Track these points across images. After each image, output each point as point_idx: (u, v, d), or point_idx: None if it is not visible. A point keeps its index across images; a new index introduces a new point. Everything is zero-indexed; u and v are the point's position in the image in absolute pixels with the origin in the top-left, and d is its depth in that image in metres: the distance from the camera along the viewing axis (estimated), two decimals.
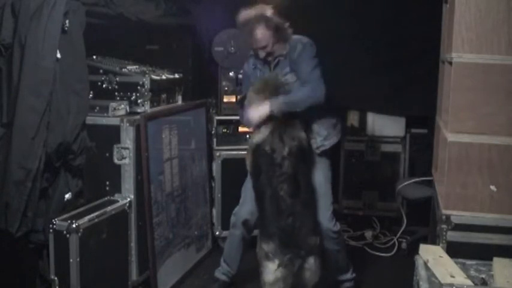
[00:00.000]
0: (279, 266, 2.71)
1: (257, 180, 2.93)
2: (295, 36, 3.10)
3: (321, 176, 3.14)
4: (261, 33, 2.98)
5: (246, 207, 3.21)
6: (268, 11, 3.02)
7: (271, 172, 2.83)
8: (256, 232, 3.28)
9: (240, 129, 4.08)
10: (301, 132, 2.97)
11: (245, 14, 3.02)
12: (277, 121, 2.92)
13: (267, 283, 2.76)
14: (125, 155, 3.12)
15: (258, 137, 2.95)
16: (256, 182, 2.95)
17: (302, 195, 2.86)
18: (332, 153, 3.27)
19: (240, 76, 3.97)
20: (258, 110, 2.94)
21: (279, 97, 2.95)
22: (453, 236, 2.55)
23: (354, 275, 3.39)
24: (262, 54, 3.06)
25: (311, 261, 2.78)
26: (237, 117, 3.59)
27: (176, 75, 3.80)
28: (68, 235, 2.66)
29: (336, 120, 3.23)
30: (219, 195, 4.06)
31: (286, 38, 3.06)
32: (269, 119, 2.92)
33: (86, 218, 2.77)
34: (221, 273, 3.41)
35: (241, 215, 3.23)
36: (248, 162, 3.04)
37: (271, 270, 2.73)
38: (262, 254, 2.79)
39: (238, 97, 3.22)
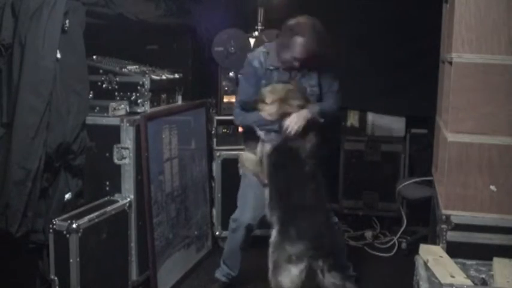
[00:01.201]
0: (304, 269, 2.64)
1: (278, 178, 2.87)
2: None
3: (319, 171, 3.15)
4: (309, 45, 2.89)
5: (248, 213, 3.17)
6: (319, 25, 2.98)
7: (297, 169, 2.82)
8: (256, 232, 3.28)
9: (240, 129, 4.08)
10: (314, 136, 2.97)
11: (299, 19, 2.97)
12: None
13: (285, 286, 2.68)
14: (125, 155, 3.12)
15: (273, 141, 2.95)
16: (277, 181, 2.88)
17: (321, 195, 2.85)
18: (332, 153, 3.29)
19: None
20: (299, 117, 2.91)
21: (315, 105, 3.00)
22: (453, 236, 2.55)
23: (354, 273, 3.39)
24: (296, 64, 2.98)
25: (330, 263, 2.71)
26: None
27: (176, 75, 3.80)
28: (68, 235, 2.66)
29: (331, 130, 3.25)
30: (219, 195, 4.05)
31: (326, 58, 3.04)
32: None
33: (86, 218, 2.77)
34: (221, 274, 3.41)
35: (244, 221, 3.19)
36: (264, 165, 2.97)
37: (294, 273, 2.65)
38: (284, 257, 2.69)
39: (248, 100, 3.09)
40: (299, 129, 2.89)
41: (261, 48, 3.18)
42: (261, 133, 3.02)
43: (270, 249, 2.81)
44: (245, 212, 3.20)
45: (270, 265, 2.78)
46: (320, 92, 3.12)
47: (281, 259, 2.71)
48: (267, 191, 2.96)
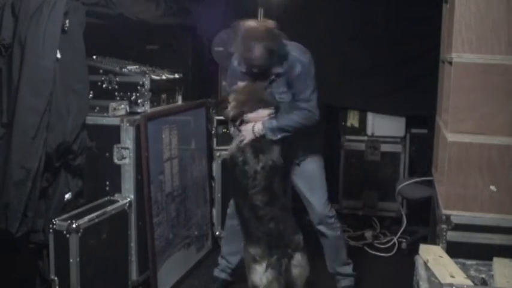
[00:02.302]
0: (267, 267, 2.75)
1: (233, 188, 2.99)
2: (293, 51, 2.96)
3: (314, 166, 3.20)
4: (260, 53, 2.80)
5: None
6: (272, 30, 2.88)
7: (244, 183, 2.85)
8: None
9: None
10: (278, 155, 2.93)
11: (249, 27, 2.88)
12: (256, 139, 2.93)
13: (256, 285, 2.80)
14: (125, 155, 3.12)
15: (232, 147, 2.99)
16: (233, 190, 3.00)
17: (280, 201, 2.89)
18: (331, 152, 3.29)
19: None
20: (251, 130, 2.91)
21: (273, 121, 2.92)
22: (453, 236, 2.55)
23: (354, 272, 3.40)
24: (254, 70, 2.93)
25: (298, 258, 2.84)
26: None
27: (176, 75, 3.80)
28: (68, 235, 2.66)
29: (314, 131, 3.16)
30: (219, 195, 4.06)
31: (284, 58, 2.93)
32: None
33: (86, 218, 2.77)
34: (220, 270, 3.42)
35: None
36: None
37: (260, 272, 2.78)
38: (250, 258, 2.84)
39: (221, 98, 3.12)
40: (244, 142, 2.90)
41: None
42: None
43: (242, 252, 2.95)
44: None
45: (245, 266, 2.92)
46: (294, 97, 3.01)
47: (248, 260, 2.85)
48: None
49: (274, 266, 2.75)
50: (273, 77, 2.99)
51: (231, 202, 3.32)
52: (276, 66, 2.93)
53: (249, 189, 2.84)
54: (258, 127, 2.92)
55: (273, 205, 2.85)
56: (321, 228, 3.24)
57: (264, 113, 2.96)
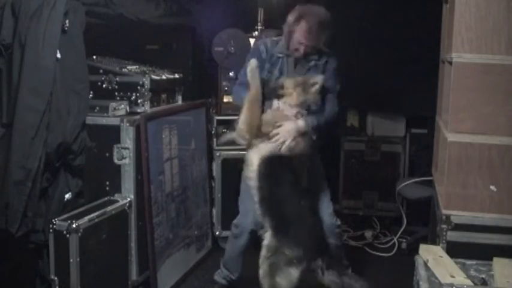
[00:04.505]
0: (302, 272, 2.68)
1: (268, 187, 2.83)
2: (327, 49, 3.06)
3: (320, 171, 3.14)
4: (315, 31, 2.90)
5: (250, 219, 3.15)
6: (326, 14, 2.98)
7: (288, 182, 2.78)
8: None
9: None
10: (312, 147, 2.93)
11: (307, 7, 2.98)
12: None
13: (283, 287, 2.72)
14: (125, 155, 3.12)
15: (270, 146, 2.86)
16: (267, 190, 2.84)
17: (314, 205, 2.89)
18: (331, 152, 3.28)
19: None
20: (294, 129, 2.86)
21: (313, 117, 2.92)
22: (453, 236, 2.55)
23: (352, 273, 3.39)
24: (301, 50, 2.97)
25: (328, 261, 2.77)
26: (237, 117, 3.51)
27: (176, 75, 3.80)
28: (68, 235, 2.66)
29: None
30: (219, 195, 4.06)
31: (324, 47, 3.02)
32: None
33: (86, 218, 2.77)
34: (221, 277, 3.39)
35: (247, 227, 3.18)
36: (255, 168, 2.88)
37: (294, 276, 2.69)
38: (284, 260, 2.71)
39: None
40: (290, 143, 2.84)
41: (272, 37, 3.22)
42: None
43: (265, 252, 2.80)
44: (247, 218, 3.18)
45: (265, 267, 2.77)
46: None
47: (280, 262, 2.72)
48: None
49: (310, 270, 2.67)
50: (311, 63, 3.04)
51: (238, 222, 3.23)
52: (315, 54, 3.02)
53: (297, 193, 2.77)
54: (301, 124, 2.88)
55: (311, 209, 2.82)
56: (329, 240, 3.12)
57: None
